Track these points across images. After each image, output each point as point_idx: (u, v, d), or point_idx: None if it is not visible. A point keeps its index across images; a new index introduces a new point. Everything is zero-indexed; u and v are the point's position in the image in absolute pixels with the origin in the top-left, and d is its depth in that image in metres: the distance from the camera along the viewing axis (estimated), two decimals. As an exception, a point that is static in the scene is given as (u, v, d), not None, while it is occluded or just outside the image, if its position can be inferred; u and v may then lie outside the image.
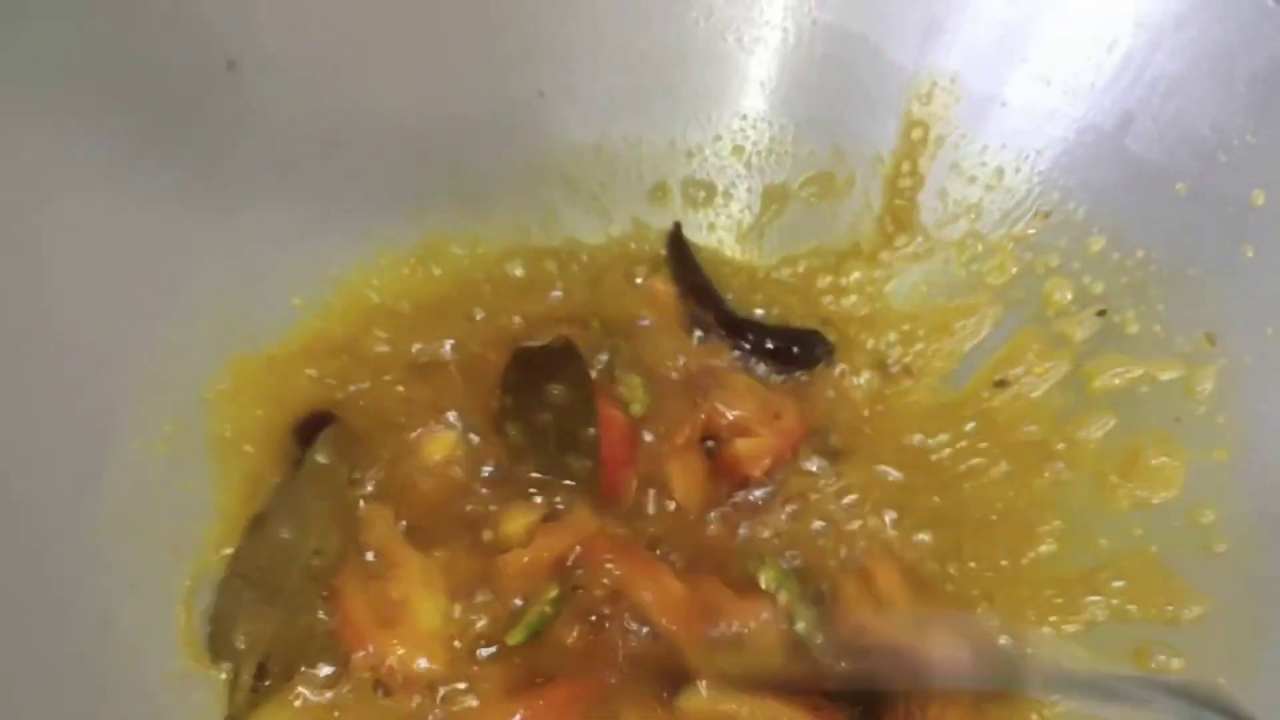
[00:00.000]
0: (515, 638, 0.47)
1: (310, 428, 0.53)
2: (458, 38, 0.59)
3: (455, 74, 0.59)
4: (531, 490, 0.52)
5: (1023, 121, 0.58)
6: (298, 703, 0.46)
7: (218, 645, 0.46)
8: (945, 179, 0.61)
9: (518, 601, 0.48)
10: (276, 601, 0.47)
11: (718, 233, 0.66)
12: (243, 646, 0.46)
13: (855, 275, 0.63)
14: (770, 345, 0.60)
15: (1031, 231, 0.59)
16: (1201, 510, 0.51)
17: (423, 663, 0.46)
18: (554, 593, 0.48)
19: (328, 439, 0.52)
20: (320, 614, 0.47)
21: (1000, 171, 0.59)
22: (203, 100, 0.52)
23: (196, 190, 0.52)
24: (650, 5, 0.60)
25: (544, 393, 0.54)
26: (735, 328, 0.61)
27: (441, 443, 0.53)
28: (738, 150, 0.65)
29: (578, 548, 0.49)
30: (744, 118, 0.64)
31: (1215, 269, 0.52)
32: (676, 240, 0.64)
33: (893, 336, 0.62)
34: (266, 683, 0.45)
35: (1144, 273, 0.55)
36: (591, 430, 0.52)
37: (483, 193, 0.62)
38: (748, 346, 0.60)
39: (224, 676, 0.46)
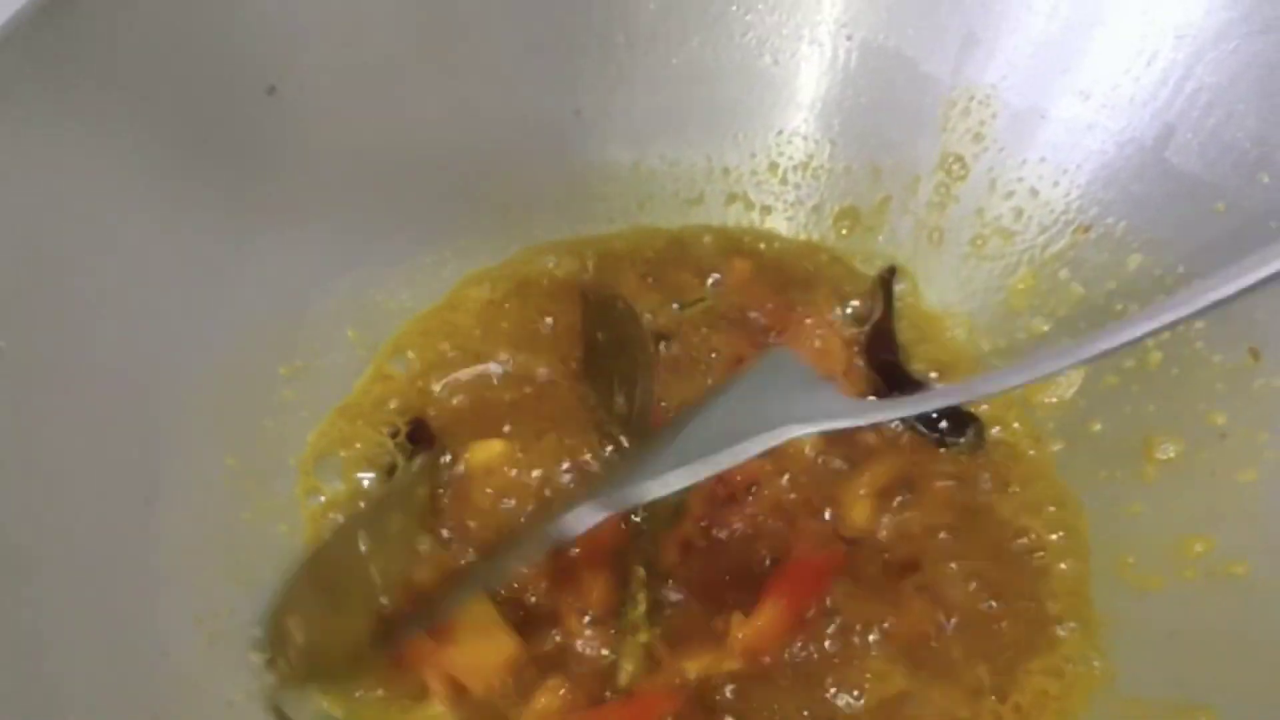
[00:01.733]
0: (626, 678, 0.47)
1: (416, 437, 0.54)
2: (494, 58, 0.59)
3: (492, 95, 0.60)
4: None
5: (1062, 135, 0.58)
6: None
7: (271, 635, 0.46)
8: (982, 196, 0.61)
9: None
10: (342, 609, 0.48)
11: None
12: (292, 630, 0.46)
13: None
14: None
15: (1070, 248, 0.59)
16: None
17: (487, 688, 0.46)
18: (641, 607, 0.48)
19: (419, 459, 0.53)
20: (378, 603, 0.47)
21: (1035, 189, 0.59)
22: (243, 125, 0.52)
23: (237, 216, 0.53)
24: (687, 24, 0.61)
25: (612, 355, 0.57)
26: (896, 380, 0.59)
27: (489, 449, 0.54)
28: (773, 167, 0.65)
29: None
30: (779, 133, 0.64)
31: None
32: (886, 285, 0.63)
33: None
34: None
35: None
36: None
37: (522, 214, 0.63)
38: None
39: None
